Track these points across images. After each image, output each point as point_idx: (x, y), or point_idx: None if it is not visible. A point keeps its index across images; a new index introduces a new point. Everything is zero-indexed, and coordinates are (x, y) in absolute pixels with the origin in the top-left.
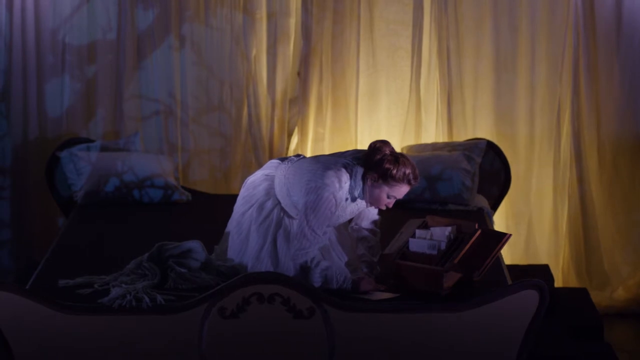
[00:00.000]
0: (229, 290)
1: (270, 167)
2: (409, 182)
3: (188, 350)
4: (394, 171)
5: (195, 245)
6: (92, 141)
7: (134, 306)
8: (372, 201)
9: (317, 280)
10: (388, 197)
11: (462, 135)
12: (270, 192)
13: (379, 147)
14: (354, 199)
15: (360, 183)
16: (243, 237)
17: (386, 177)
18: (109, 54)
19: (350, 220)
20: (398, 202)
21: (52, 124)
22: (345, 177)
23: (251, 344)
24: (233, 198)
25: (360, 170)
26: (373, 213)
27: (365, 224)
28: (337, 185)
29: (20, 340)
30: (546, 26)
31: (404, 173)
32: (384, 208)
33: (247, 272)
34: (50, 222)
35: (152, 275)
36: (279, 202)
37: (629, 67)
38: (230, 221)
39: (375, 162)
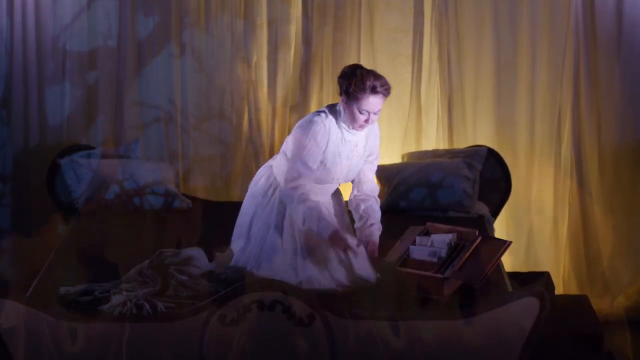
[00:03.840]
0: (229, 297)
1: (272, 158)
2: (373, 91)
3: (189, 358)
4: (352, 85)
5: (196, 252)
6: (93, 148)
7: (134, 313)
8: (352, 124)
9: (298, 216)
10: (361, 113)
11: (463, 141)
12: (270, 178)
13: (342, 71)
14: (343, 129)
15: (344, 115)
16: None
17: (349, 93)
18: (110, 61)
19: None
20: (399, 209)
21: (52, 130)
22: (327, 112)
23: (252, 351)
24: (234, 205)
25: (341, 108)
26: (371, 179)
27: (366, 188)
28: (323, 115)
29: (20, 348)
30: (547, 32)
31: (363, 83)
32: (364, 126)
33: (248, 279)
34: (50, 229)
35: (152, 282)
36: (279, 185)
37: (630, 73)
38: (239, 217)
39: (339, 86)
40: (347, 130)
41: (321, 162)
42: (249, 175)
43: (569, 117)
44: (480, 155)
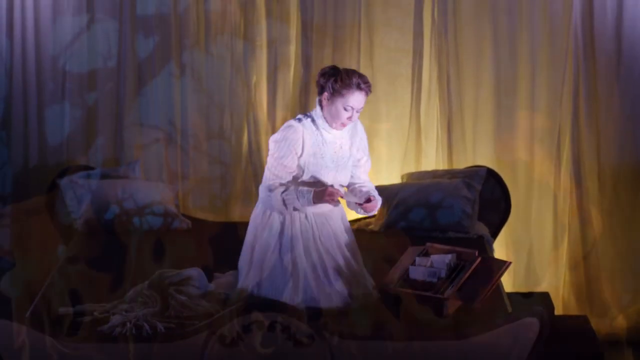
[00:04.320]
0: (229, 318)
1: None
2: (358, 87)
3: None
4: (339, 81)
5: (196, 272)
6: (92, 168)
7: (134, 334)
8: (334, 121)
9: (277, 202)
10: (346, 109)
11: (462, 161)
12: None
13: (321, 71)
14: (322, 130)
15: (321, 114)
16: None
17: (334, 89)
18: (110, 81)
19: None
20: (399, 230)
21: (52, 151)
22: (302, 117)
23: None
24: (233, 225)
25: (317, 108)
26: (366, 180)
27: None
28: (297, 120)
29: None
30: (546, 52)
31: (350, 79)
32: (346, 123)
33: (247, 300)
34: (50, 249)
35: (152, 302)
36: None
37: (629, 93)
38: (244, 244)
39: (321, 85)
40: (327, 132)
41: (304, 167)
42: (248, 196)
43: (569, 137)
44: (479, 175)
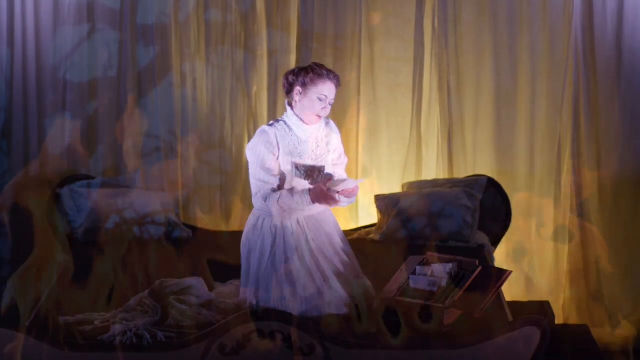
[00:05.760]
0: (229, 327)
1: None
2: (329, 77)
3: None
4: (310, 73)
5: (196, 282)
6: (93, 178)
7: (134, 343)
8: (309, 115)
9: (275, 210)
10: (320, 99)
11: (463, 171)
12: (255, 213)
13: (288, 72)
14: (296, 129)
15: (293, 114)
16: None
17: (306, 83)
18: (110, 91)
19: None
20: (399, 239)
21: (52, 160)
22: (271, 123)
23: None
24: (233, 235)
25: (287, 110)
26: (345, 175)
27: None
28: (268, 125)
29: None
30: (547, 63)
31: (321, 70)
32: (321, 115)
33: (247, 309)
34: (50, 258)
35: (153, 312)
36: (262, 214)
37: (630, 104)
38: (241, 256)
39: (290, 83)
40: (301, 130)
41: (284, 168)
42: (248, 205)
43: (569, 147)
44: (480, 184)
